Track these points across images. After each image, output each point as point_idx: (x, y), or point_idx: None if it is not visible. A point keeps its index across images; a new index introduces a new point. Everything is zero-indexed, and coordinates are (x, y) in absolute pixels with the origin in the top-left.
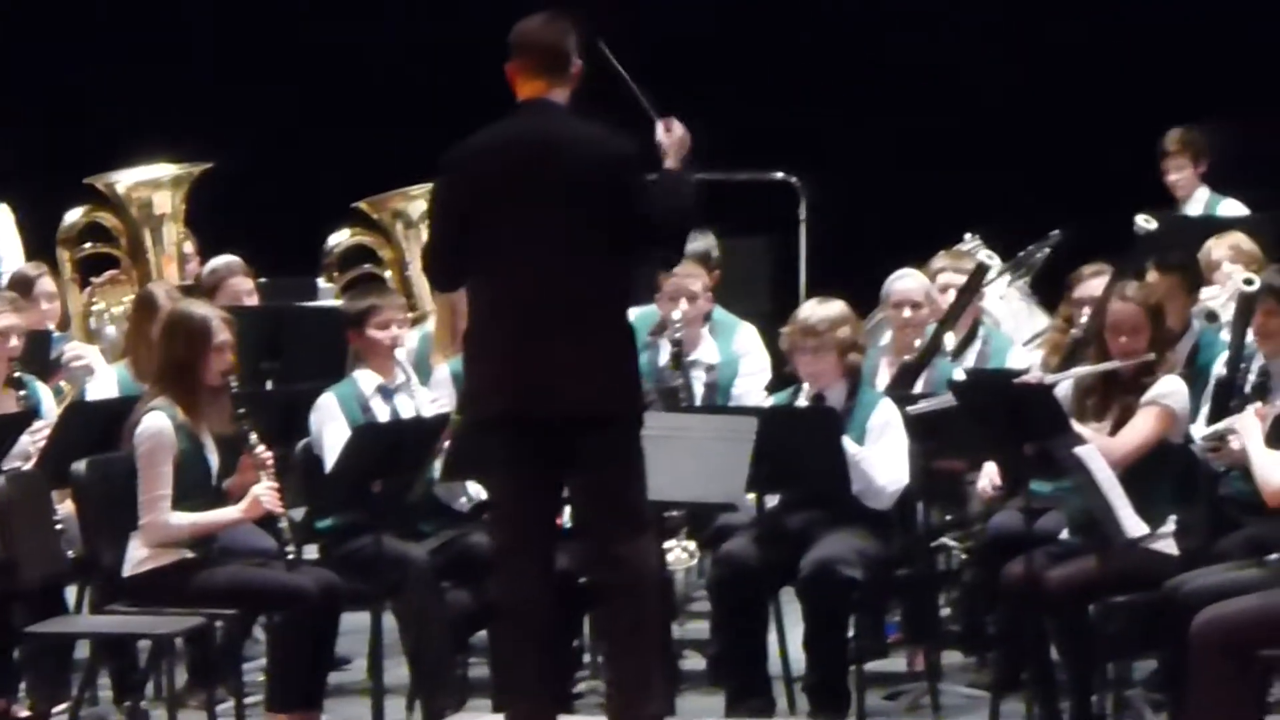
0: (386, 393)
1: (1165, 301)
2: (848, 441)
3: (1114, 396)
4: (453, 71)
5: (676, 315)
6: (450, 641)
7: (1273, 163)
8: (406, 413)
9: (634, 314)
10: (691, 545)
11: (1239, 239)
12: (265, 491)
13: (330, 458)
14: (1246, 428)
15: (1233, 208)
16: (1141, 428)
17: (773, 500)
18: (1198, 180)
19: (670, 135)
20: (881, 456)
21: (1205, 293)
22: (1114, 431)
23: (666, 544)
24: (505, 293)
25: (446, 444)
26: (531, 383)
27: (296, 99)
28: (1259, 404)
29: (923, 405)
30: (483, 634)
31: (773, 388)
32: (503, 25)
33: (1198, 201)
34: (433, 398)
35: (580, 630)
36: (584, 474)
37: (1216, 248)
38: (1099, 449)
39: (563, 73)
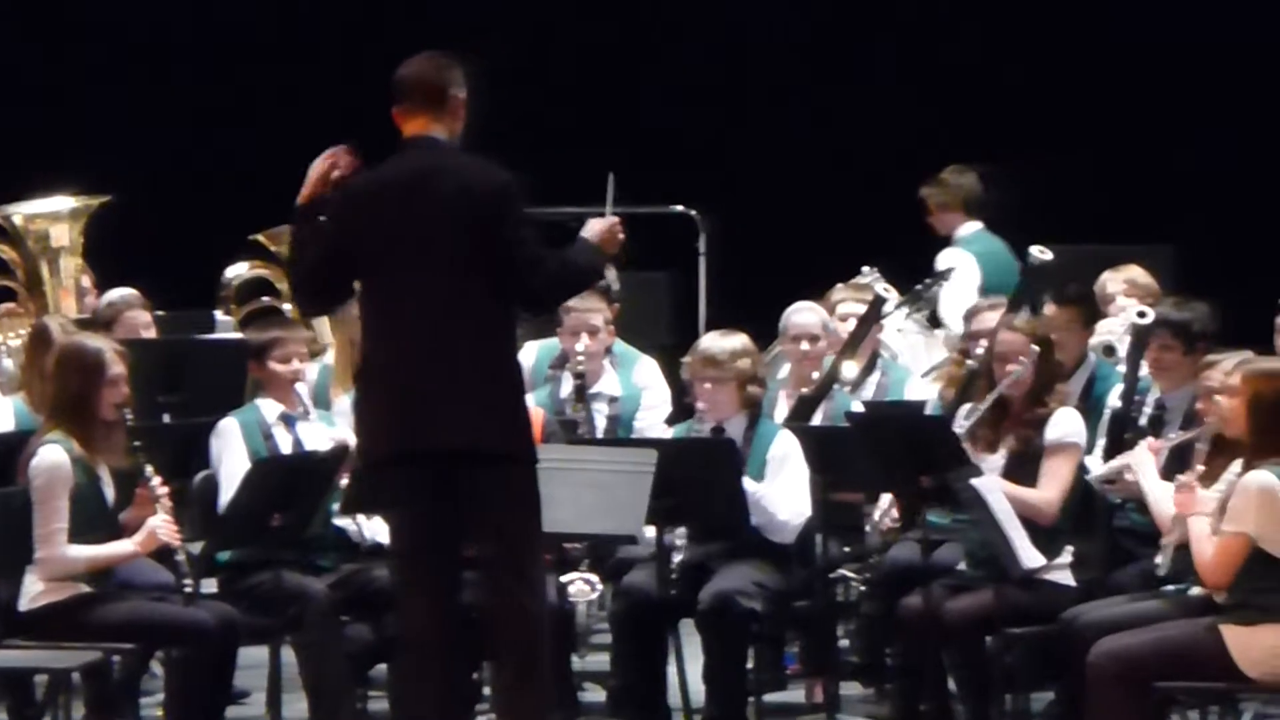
0: (289, 420)
1: (1062, 334)
2: (748, 481)
3: (1005, 428)
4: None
5: (579, 348)
6: (349, 675)
7: (1044, 202)
8: (310, 441)
9: (536, 347)
10: (593, 578)
11: (1135, 272)
12: (161, 525)
13: (228, 488)
14: (1140, 462)
15: (954, 256)
16: (1062, 474)
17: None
18: (963, 218)
19: (606, 224)
20: (782, 491)
21: (1102, 325)
22: (1011, 465)
23: (568, 576)
24: (392, 330)
25: (346, 477)
26: (419, 420)
27: (192, 132)
28: (1151, 439)
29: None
30: (382, 667)
31: (673, 420)
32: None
33: (962, 240)
34: (329, 433)
35: (480, 663)
36: (474, 511)
37: (1112, 281)
38: (1031, 507)
39: (441, 107)
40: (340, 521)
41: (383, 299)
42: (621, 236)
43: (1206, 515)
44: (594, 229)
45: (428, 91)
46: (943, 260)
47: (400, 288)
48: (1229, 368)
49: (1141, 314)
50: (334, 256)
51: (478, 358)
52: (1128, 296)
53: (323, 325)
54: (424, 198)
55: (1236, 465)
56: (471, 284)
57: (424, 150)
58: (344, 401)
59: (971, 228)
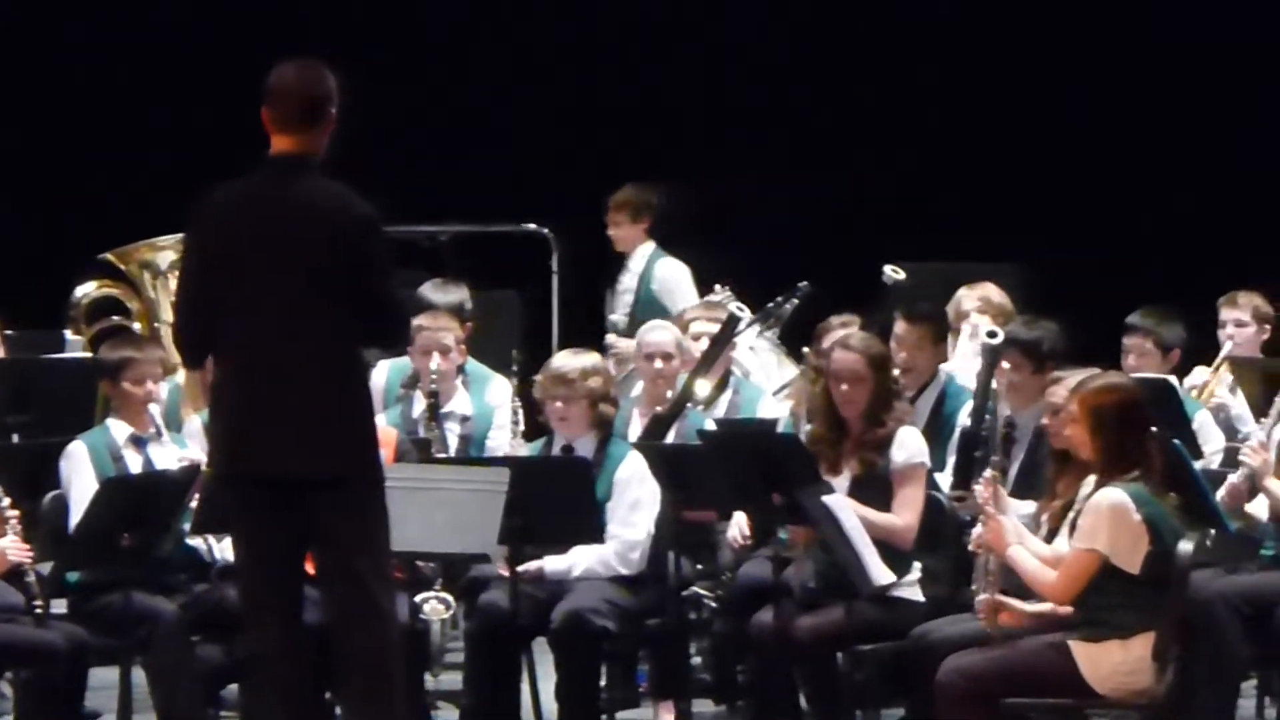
0: (140, 442)
1: (912, 352)
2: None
3: (846, 450)
4: (201, 122)
5: (431, 367)
6: (200, 696)
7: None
8: (161, 462)
9: (387, 366)
10: (447, 597)
11: (989, 291)
12: (9, 545)
13: (78, 510)
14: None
15: (672, 266)
16: (916, 497)
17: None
18: (642, 236)
19: None
20: (625, 520)
21: (963, 346)
22: (856, 488)
23: (421, 595)
24: (243, 350)
25: (197, 497)
26: (266, 442)
27: (40, 149)
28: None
29: None
30: (233, 688)
31: (526, 439)
32: (250, 75)
33: (640, 257)
34: (180, 455)
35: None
36: (321, 534)
37: (967, 299)
38: (891, 533)
39: (315, 126)
40: (191, 542)
41: (233, 319)
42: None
43: (1018, 543)
44: None
45: (305, 106)
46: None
47: (251, 309)
48: (1071, 385)
49: (992, 334)
50: (199, 289)
51: (323, 381)
52: (981, 314)
53: (173, 344)
54: (284, 222)
55: (1089, 483)
56: (326, 312)
57: (290, 171)
58: (195, 422)
59: (649, 247)
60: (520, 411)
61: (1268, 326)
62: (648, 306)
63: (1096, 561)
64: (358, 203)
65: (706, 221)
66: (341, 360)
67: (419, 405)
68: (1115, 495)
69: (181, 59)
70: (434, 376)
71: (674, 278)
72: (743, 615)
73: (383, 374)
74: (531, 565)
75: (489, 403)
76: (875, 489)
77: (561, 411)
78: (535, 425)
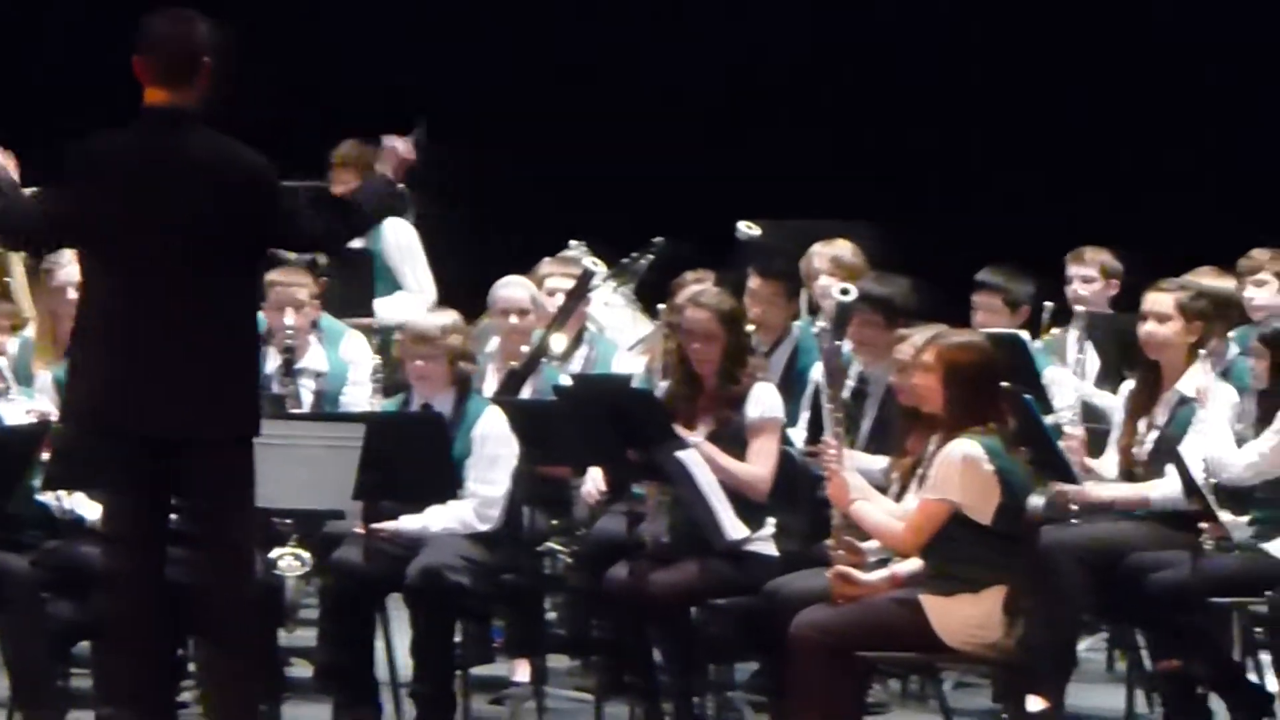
0: None
1: (766, 308)
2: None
3: (702, 404)
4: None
5: (286, 323)
6: (52, 653)
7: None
8: (11, 418)
9: None
10: (302, 553)
11: (840, 251)
12: None
13: None
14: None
15: (399, 227)
16: (770, 450)
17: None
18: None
19: (395, 151)
20: (482, 477)
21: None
22: (712, 441)
23: (276, 552)
24: (119, 306)
25: (48, 453)
26: (140, 399)
27: None
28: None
29: None
30: (85, 644)
31: (385, 395)
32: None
33: None
34: (28, 407)
35: (186, 640)
36: (189, 492)
37: (817, 258)
38: (745, 483)
39: (191, 78)
40: (43, 497)
41: (112, 274)
42: (411, 159)
43: (861, 498)
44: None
45: (182, 57)
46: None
47: (128, 264)
48: (919, 342)
49: (844, 290)
50: (57, 216)
51: (207, 341)
52: (830, 276)
53: (23, 298)
54: (166, 177)
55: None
56: (211, 269)
57: (171, 124)
58: (45, 376)
59: None
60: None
61: (1116, 281)
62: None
63: (946, 511)
64: (247, 155)
65: (560, 178)
66: (225, 319)
67: (273, 361)
68: (968, 446)
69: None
70: (288, 332)
71: (402, 241)
72: (598, 570)
73: None
74: (388, 524)
75: (344, 358)
76: (730, 444)
77: (422, 370)
78: (393, 382)
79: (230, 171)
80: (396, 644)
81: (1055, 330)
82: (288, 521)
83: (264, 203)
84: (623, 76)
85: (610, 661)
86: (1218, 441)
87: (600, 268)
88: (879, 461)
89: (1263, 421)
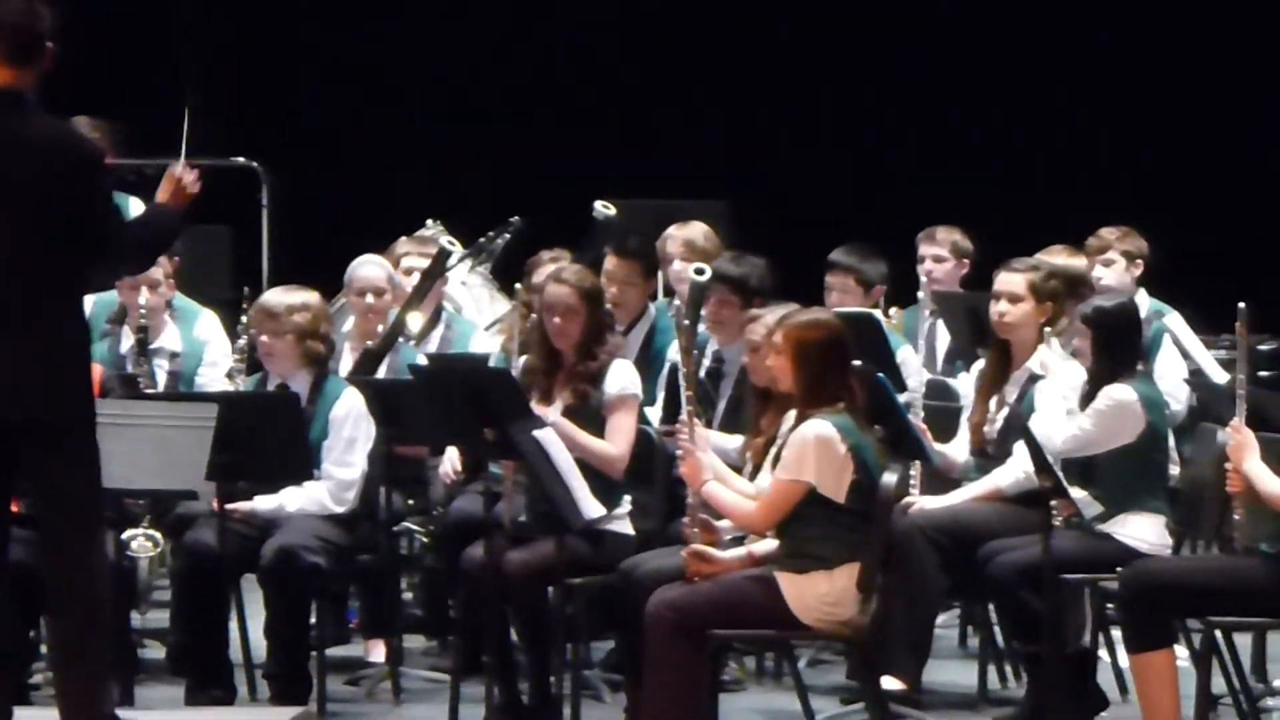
0: None
1: (622, 287)
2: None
3: (559, 382)
4: None
5: (140, 302)
6: None
7: None
8: None
9: (92, 301)
10: (155, 534)
11: (694, 234)
12: None
13: None
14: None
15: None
16: (627, 426)
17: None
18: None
19: (184, 178)
20: (339, 459)
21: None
22: (569, 417)
23: (129, 533)
24: None
25: None
26: None
27: None
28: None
29: None
30: None
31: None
32: None
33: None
34: None
35: (36, 621)
36: (30, 476)
37: (671, 241)
38: (602, 459)
39: (32, 60)
40: None
41: None
42: (194, 189)
43: (714, 479)
44: (164, 190)
45: (21, 41)
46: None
47: None
48: (771, 322)
49: (699, 270)
50: None
51: (39, 324)
52: (684, 260)
53: None
54: (6, 158)
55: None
56: (42, 252)
57: (10, 106)
58: None
59: None
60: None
61: (967, 261)
62: None
63: (800, 491)
64: (80, 140)
65: (416, 157)
66: (58, 303)
67: (127, 341)
68: (821, 426)
69: None
70: (142, 312)
71: None
72: (454, 550)
73: (88, 308)
74: (242, 505)
75: (198, 338)
76: (587, 420)
77: (268, 346)
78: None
79: (64, 155)
80: (251, 625)
81: (895, 310)
82: (140, 502)
83: (92, 188)
84: (476, 54)
85: (466, 641)
86: (1045, 416)
87: (457, 247)
88: (734, 440)
89: (1089, 399)
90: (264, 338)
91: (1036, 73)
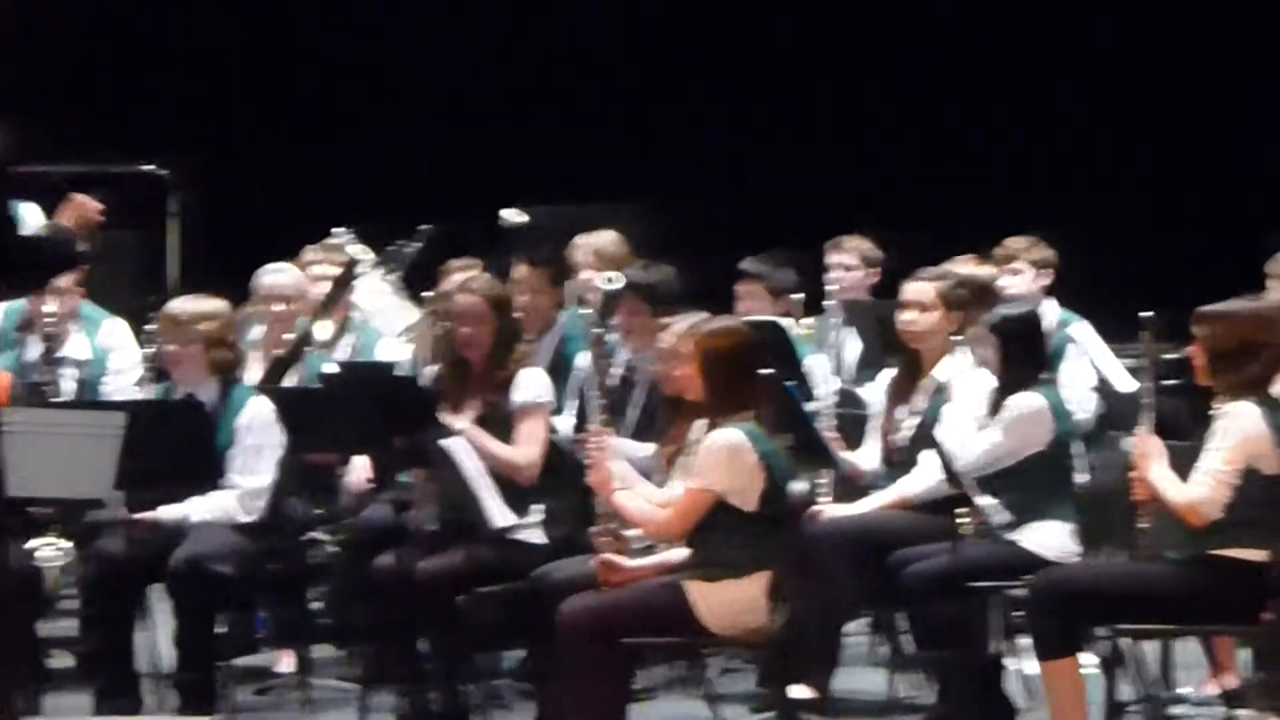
0: None
1: (533, 295)
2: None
3: (469, 391)
4: None
5: (46, 310)
6: None
7: None
8: None
9: (1, 310)
10: (62, 542)
11: (604, 243)
12: None
13: None
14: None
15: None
16: (537, 434)
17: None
18: None
19: (82, 206)
20: (247, 467)
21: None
22: (480, 426)
23: (35, 541)
24: None
25: None
26: None
27: None
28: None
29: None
30: None
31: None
32: None
33: None
34: None
35: None
36: None
37: (580, 249)
38: (512, 466)
39: None
40: None
41: None
42: (97, 218)
43: (624, 487)
44: (67, 214)
45: None
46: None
47: None
48: (681, 330)
49: (610, 278)
50: None
51: None
52: (593, 269)
53: None
54: None
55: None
56: None
57: None
58: None
59: None
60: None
61: (877, 270)
62: None
63: (710, 500)
64: None
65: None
66: None
67: (33, 349)
68: (731, 434)
69: None
70: (50, 320)
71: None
72: (363, 559)
73: None
74: (149, 514)
75: (104, 346)
76: (498, 429)
77: (174, 355)
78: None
79: None
80: (159, 634)
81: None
82: (47, 511)
83: None
84: (388, 63)
85: (376, 650)
86: (956, 429)
87: (366, 255)
88: (645, 448)
89: (997, 408)
90: (170, 346)
91: (944, 84)
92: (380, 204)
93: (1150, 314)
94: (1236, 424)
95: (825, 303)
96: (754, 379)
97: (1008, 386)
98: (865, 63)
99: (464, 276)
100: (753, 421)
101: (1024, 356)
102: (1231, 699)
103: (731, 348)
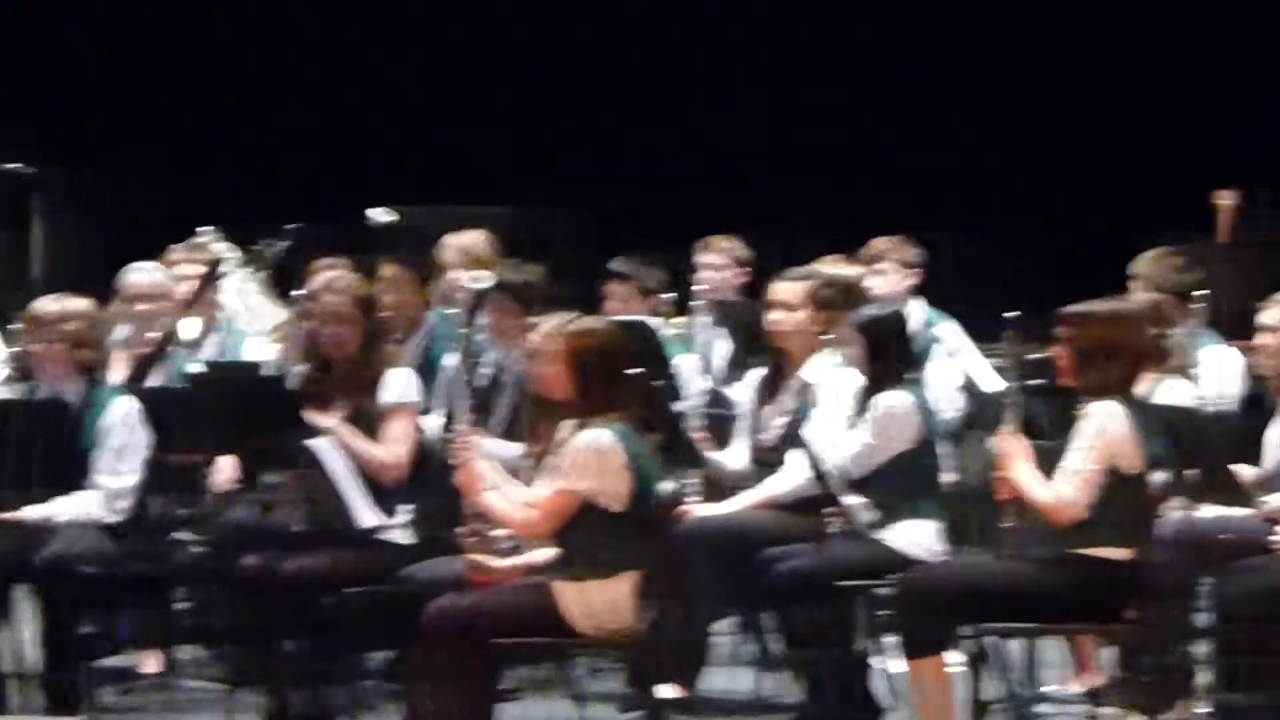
0: None
1: (400, 294)
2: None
3: (337, 390)
4: None
5: None
6: None
7: None
8: None
9: None
10: None
11: (471, 242)
12: None
13: None
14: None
15: None
16: (404, 434)
17: None
18: None
19: None
20: (111, 467)
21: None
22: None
23: None
24: None
25: None
26: None
27: None
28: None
29: None
30: None
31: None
32: None
33: None
34: None
35: None
36: None
37: (448, 249)
38: (380, 465)
39: None
40: None
41: None
42: None
43: (493, 487)
44: None
45: None
46: None
47: None
48: (549, 330)
49: (477, 277)
50: None
51: None
52: (461, 268)
53: None
54: None
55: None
56: None
57: None
58: None
59: None
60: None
61: (745, 270)
62: None
63: (577, 500)
64: None
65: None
66: None
67: None
68: (599, 435)
69: None
70: None
71: None
72: (229, 559)
73: None
74: (11, 514)
75: None
76: (365, 429)
77: (38, 355)
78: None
79: None
80: (24, 634)
81: (681, 318)
82: None
83: None
84: (255, 62)
85: (241, 651)
86: (826, 431)
87: (232, 254)
88: (513, 448)
89: (863, 408)
90: (35, 346)
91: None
92: (247, 203)
93: (1014, 314)
94: (1100, 424)
95: (692, 303)
96: (621, 379)
97: (874, 386)
98: (727, 60)
99: (330, 276)
100: (620, 422)
101: (889, 356)
102: (1095, 697)
103: (599, 347)
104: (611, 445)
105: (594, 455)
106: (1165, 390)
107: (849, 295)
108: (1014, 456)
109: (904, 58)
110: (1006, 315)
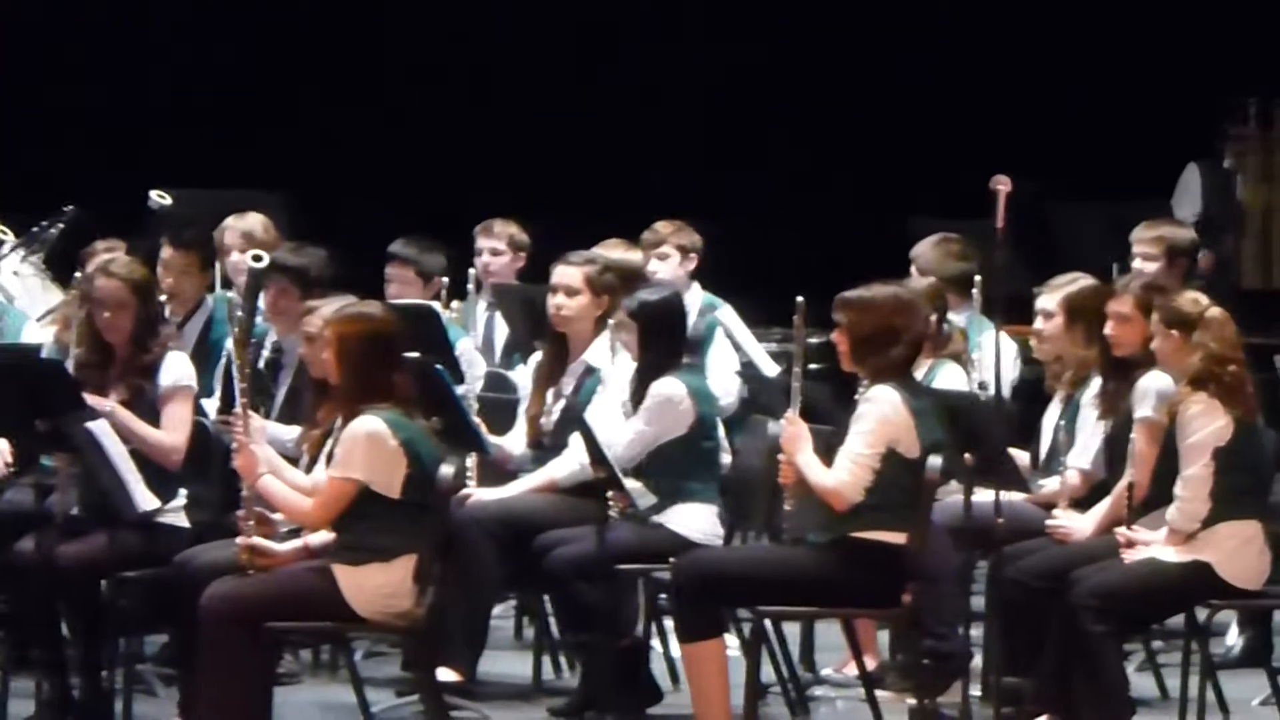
0: None
1: (179, 277)
2: None
3: (114, 374)
4: None
5: None
6: None
7: None
8: None
9: None
10: None
11: (251, 225)
12: None
13: None
14: None
15: None
16: (182, 417)
17: None
18: None
19: None
20: None
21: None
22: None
23: None
24: None
25: None
26: None
27: None
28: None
29: None
30: None
31: None
32: None
33: None
34: None
35: None
36: None
37: (229, 233)
38: (156, 449)
39: None
40: None
41: None
42: None
43: (270, 472)
44: None
45: None
46: None
47: None
48: (327, 314)
49: (257, 258)
50: None
51: None
52: (241, 252)
53: None
54: None
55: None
56: None
57: None
58: None
59: None
60: None
61: (523, 254)
62: None
63: (352, 488)
64: None
65: None
66: None
67: None
68: (370, 423)
69: None
70: None
71: None
72: (3, 544)
73: None
74: None
75: None
76: (143, 413)
77: None
78: None
79: None
80: None
81: (457, 302)
82: None
83: None
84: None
85: (17, 636)
86: (605, 419)
87: (8, 236)
88: (292, 431)
89: (639, 393)
90: None
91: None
92: (22, 185)
93: (801, 299)
94: (878, 408)
95: (469, 286)
96: (391, 365)
97: (648, 372)
98: (519, 49)
99: (106, 259)
100: (393, 408)
101: (663, 341)
102: (870, 680)
103: (367, 333)
104: (383, 433)
105: (365, 444)
106: (943, 375)
107: (630, 279)
108: (796, 441)
109: (681, 40)
110: (798, 299)
